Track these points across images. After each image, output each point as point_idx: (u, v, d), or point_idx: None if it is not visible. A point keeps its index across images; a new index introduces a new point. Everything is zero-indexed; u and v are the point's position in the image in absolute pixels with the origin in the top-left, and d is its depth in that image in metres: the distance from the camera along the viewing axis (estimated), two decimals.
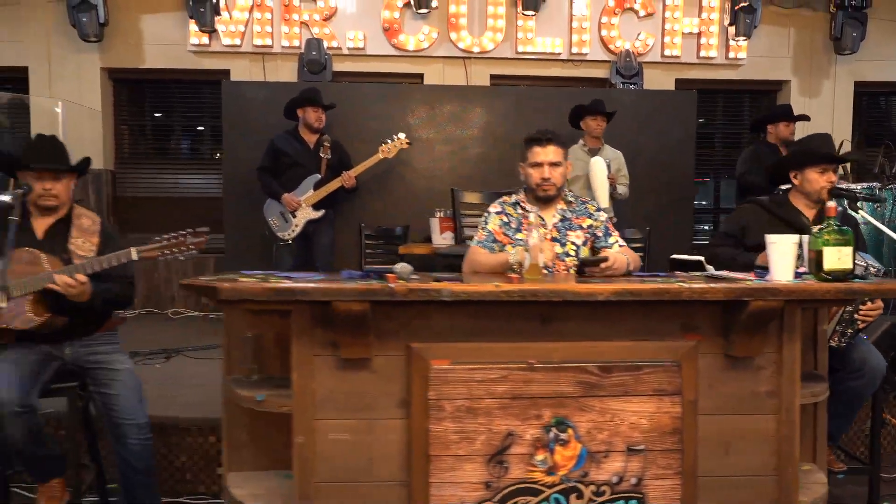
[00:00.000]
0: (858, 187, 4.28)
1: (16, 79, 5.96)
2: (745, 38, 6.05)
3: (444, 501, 1.82)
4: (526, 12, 5.88)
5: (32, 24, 5.83)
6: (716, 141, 6.77)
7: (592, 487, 1.85)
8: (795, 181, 2.66)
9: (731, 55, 6.22)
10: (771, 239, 1.96)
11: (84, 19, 5.51)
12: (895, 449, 3.46)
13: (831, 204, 1.93)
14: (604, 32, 6.10)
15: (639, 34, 6.10)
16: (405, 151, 4.78)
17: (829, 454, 2.52)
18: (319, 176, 4.50)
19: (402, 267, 1.87)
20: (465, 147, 5.32)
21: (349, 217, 4.91)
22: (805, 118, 4.97)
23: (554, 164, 2.45)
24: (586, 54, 6.11)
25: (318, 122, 4.54)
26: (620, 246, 2.55)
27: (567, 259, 2.51)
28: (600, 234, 2.57)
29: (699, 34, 6.18)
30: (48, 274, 2.24)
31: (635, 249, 3.03)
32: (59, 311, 2.31)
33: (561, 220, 2.55)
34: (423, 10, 5.77)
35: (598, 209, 2.63)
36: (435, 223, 4.38)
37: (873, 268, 2.24)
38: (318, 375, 1.85)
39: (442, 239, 4.31)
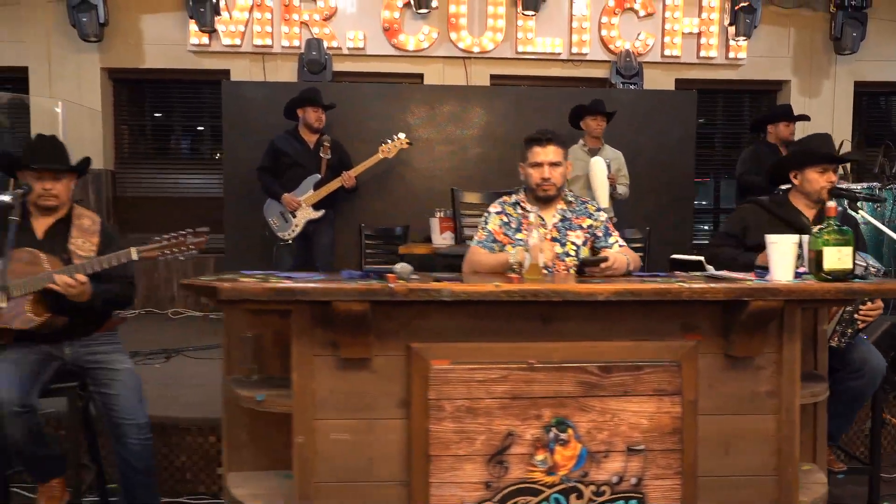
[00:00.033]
0: (858, 187, 4.28)
1: (16, 79, 5.96)
2: (745, 38, 6.05)
3: (444, 501, 1.82)
4: (526, 12, 5.88)
5: (32, 24, 5.83)
6: (716, 141, 6.77)
7: (592, 487, 1.85)
8: (795, 181, 2.67)
9: (731, 55, 6.22)
10: (771, 239, 1.96)
11: (84, 19, 5.51)
12: (895, 449, 3.46)
13: (831, 204, 1.93)
14: (604, 32, 6.10)
15: (639, 34, 6.11)
16: (405, 151, 4.78)
17: (829, 454, 2.52)
18: (319, 176, 4.50)
19: (402, 267, 1.87)
20: (465, 147, 5.32)
21: (349, 217, 4.91)
22: (805, 118, 4.98)
23: (554, 164, 2.45)
24: (586, 54, 6.11)
25: (318, 122, 4.54)
26: (620, 246, 2.55)
27: (567, 259, 2.51)
28: (600, 233, 2.57)
29: (699, 34, 6.18)
30: (48, 274, 2.24)
31: (635, 249, 3.02)
32: (59, 311, 2.31)
33: (561, 220, 2.55)
34: (423, 10, 5.77)
35: (598, 209, 2.63)
36: (435, 223, 4.38)
37: (873, 268, 2.24)
38: (319, 375, 1.85)
39: (442, 239, 4.31)
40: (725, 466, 1.95)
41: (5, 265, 2.07)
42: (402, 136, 4.62)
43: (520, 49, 6.06)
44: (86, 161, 2.54)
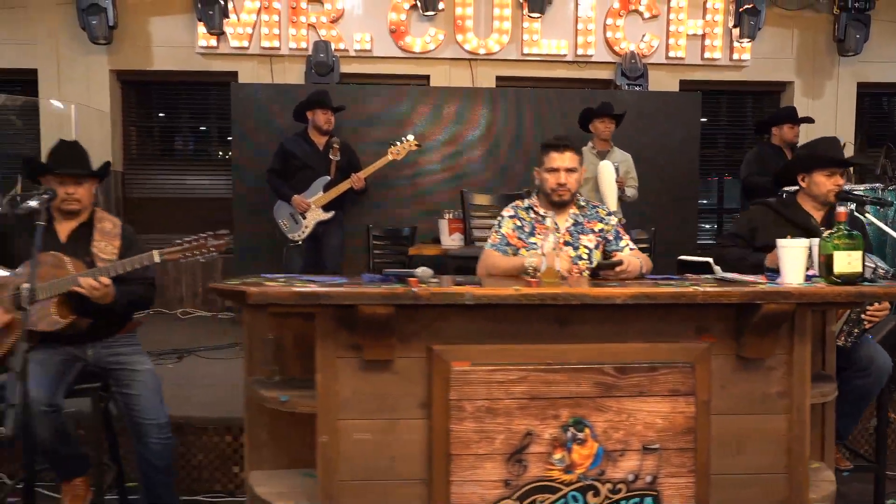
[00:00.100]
0: (861, 188, 4.32)
1: (25, 81, 6.01)
2: (749, 39, 6.09)
3: (464, 499, 1.87)
4: (532, 14, 5.92)
5: (41, 27, 5.87)
6: (719, 141, 6.81)
7: (609, 485, 1.90)
8: (803, 184, 2.71)
9: (735, 56, 6.26)
10: (782, 243, 2.00)
11: (94, 22, 5.55)
12: None
13: (841, 209, 1.98)
14: (609, 34, 6.14)
15: (643, 36, 6.15)
16: (410, 152, 4.82)
17: (835, 452, 2.57)
18: (329, 178, 4.54)
19: (422, 271, 1.91)
20: (470, 148, 5.37)
21: (356, 218, 4.96)
22: (809, 120, 5.02)
23: (570, 170, 2.50)
24: (591, 56, 6.15)
25: (327, 125, 4.58)
26: (631, 249, 2.60)
27: (580, 262, 2.56)
28: (611, 237, 2.62)
29: (703, 35, 6.23)
30: (73, 277, 2.28)
31: (641, 250, 3.07)
32: (84, 313, 2.36)
33: (573, 225, 2.60)
34: (430, 13, 5.81)
35: (609, 213, 2.68)
36: (444, 224, 4.42)
37: (882, 269, 2.29)
38: (342, 377, 1.90)
39: (451, 240, 4.35)
40: (737, 465, 2.00)
41: (34, 269, 2.11)
42: (410, 137, 4.66)
43: (525, 51, 6.10)
44: (106, 165, 2.59)
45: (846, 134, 6.34)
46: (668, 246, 4.44)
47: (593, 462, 1.89)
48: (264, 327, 2.17)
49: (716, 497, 1.97)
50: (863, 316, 2.35)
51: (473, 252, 3.69)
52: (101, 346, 2.50)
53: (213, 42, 5.89)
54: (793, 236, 2.10)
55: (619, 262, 2.24)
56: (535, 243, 2.55)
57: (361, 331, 1.84)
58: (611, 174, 4.02)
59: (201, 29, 5.78)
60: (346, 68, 5.97)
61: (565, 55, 6.15)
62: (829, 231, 1.99)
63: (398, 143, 4.64)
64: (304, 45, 5.92)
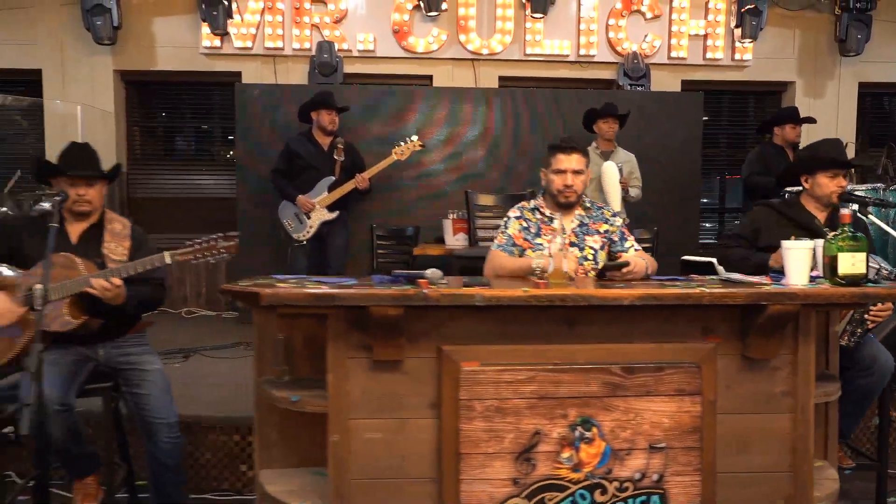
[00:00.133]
0: (863, 188, 4.35)
1: (28, 81, 6.03)
2: (750, 40, 6.12)
3: (473, 497, 1.90)
4: (535, 15, 5.94)
5: (46, 27, 5.89)
6: (721, 141, 6.84)
7: (616, 484, 1.93)
8: (806, 185, 2.74)
9: (737, 56, 6.28)
10: (787, 245, 2.03)
11: (98, 22, 5.57)
12: None
13: (845, 211, 2.00)
14: (611, 34, 6.16)
15: (646, 36, 6.17)
16: (414, 153, 4.83)
17: (837, 451, 2.59)
18: (333, 178, 4.57)
19: (432, 272, 1.93)
20: (473, 148, 5.39)
21: (360, 218, 4.98)
22: (811, 121, 5.04)
23: (576, 172, 2.53)
24: (594, 56, 6.17)
25: (331, 125, 4.61)
26: (636, 250, 2.62)
27: (585, 263, 2.59)
28: (616, 238, 2.64)
29: (705, 36, 6.25)
30: (85, 278, 2.31)
31: (643, 249, 3.09)
32: (95, 313, 2.39)
33: (579, 226, 2.63)
34: (433, 13, 5.82)
35: (614, 214, 2.71)
36: (448, 224, 4.45)
37: (885, 270, 2.31)
38: (353, 377, 1.92)
39: (455, 240, 4.38)
40: (743, 463, 2.02)
41: (48, 270, 2.14)
42: (414, 138, 4.69)
43: (528, 51, 6.12)
44: (117, 167, 2.62)
45: (847, 134, 6.36)
46: (670, 245, 4.46)
47: (601, 461, 1.92)
48: (274, 328, 2.19)
49: (721, 495, 2.00)
50: (866, 316, 2.38)
51: (478, 252, 3.72)
52: (112, 346, 2.52)
53: (216, 42, 5.91)
54: (796, 237, 2.12)
55: (626, 264, 2.27)
56: (540, 244, 2.58)
57: (372, 331, 1.86)
58: (614, 176, 4.04)
59: (205, 29, 5.80)
60: (349, 68, 5.99)
61: (568, 55, 6.17)
62: (833, 233, 2.01)
63: (402, 143, 4.67)
64: (307, 45, 5.94)
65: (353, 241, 4.89)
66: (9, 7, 5.86)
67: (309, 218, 4.56)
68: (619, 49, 6.16)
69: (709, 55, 6.26)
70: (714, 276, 2.31)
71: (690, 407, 1.94)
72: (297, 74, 5.99)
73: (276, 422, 2.20)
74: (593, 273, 2.56)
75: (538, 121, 5.41)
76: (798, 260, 2.00)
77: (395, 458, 1.94)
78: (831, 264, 1.97)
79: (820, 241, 2.08)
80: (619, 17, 6.16)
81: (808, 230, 2.56)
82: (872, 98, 6.81)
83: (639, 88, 5.97)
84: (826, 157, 2.67)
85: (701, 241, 5.96)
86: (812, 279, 2.05)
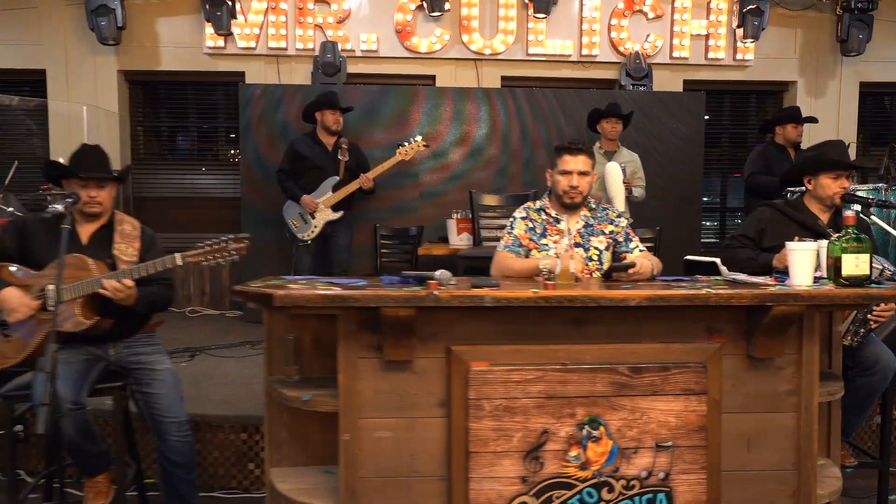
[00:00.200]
0: (864, 188, 4.37)
1: (33, 81, 6.05)
2: (752, 39, 6.14)
3: (482, 496, 1.93)
4: (537, 15, 5.96)
5: (50, 28, 5.91)
6: (723, 141, 6.86)
7: (623, 482, 1.95)
8: (809, 186, 2.77)
9: (739, 56, 6.30)
10: (791, 246, 2.05)
11: (102, 23, 5.59)
12: None
13: (850, 213, 2.03)
14: (613, 34, 6.18)
15: (648, 36, 6.19)
16: (418, 152, 4.86)
17: (840, 449, 2.62)
18: (338, 178, 4.59)
19: (441, 273, 1.96)
20: (476, 148, 5.42)
21: (363, 217, 5.01)
22: (813, 120, 5.06)
23: (582, 174, 2.56)
24: (596, 56, 6.19)
25: (335, 125, 4.63)
26: (641, 251, 2.65)
27: (590, 264, 2.61)
28: (621, 239, 2.67)
29: (707, 36, 6.27)
30: (97, 279, 2.33)
31: (647, 248, 3.12)
32: (107, 314, 2.41)
33: (584, 227, 2.65)
34: (436, 13, 5.84)
35: (619, 215, 2.74)
36: (452, 224, 4.47)
37: (888, 271, 2.34)
38: (363, 377, 1.95)
39: (459, 240, 4.41)
40: (748, 461, 2.05)
41: (61, 271, 2.16)
42: (419, 138, 4.71)
43: (530, 51, 6.14)
44: (127, 169, 2.64)
45: (848, 133, 6.39)
46: (672, 245, 4.49)
47: (608, 459, 1.94)
48: (284, 328, 2.22)
49: (727, 493, 2.03)
50: (869, 316, 2.40)
51: (483, 252, 3.75)
52: (122, 345, 2.55)
53: (220, 42, 5.93)
54: (800, 237, 2.15)
55: (632, 265, 2.29)
56: (546, 244, 2.61)
57: (383, 332, 1.89)
58: (618, 176, 4.06)
59: (208, 29, 5.83)
60: (352, 68, 6.01)
61: (570, 55, 6.19)
62: (837, 234, 2.04)
63: (406, 143, 4.69)
64: (310, 45, 5.96)
65: (356, 241, 4.92)
66: (13, 7, 5.88)
67: (314, 218, 4.59)
68: (621, 49, 6.19)
69: (711, 55, 6.28)
70: (718, 277, 2.34)
71: (696, 406, 1.97)
72: (300, 74, 6.01)
73: (286, 421, 2.23)
74: (598, 274, 2.59)
75: (540, 121, 5.44)
76: (802, 261, 2.03)
77: (405, 457, 1.97)
78: (835, 265, 2.00)
79: (824, 242, 2.11)
80: (622, 17, 6.18)
81: (812, 231, 2.59)
82: (873, 98, 6.83)
83: (641, 88, 5.99)
84: (829, 158, 2.69)
85: (703, 241, 5.99)
86: (816, 280, 2.08)
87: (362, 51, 6.03)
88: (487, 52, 6.12)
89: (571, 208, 2.62)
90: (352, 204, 4.73)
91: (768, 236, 2.68)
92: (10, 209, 4.54)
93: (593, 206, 2.70)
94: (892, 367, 2.58)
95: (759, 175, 4.68)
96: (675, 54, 6.23)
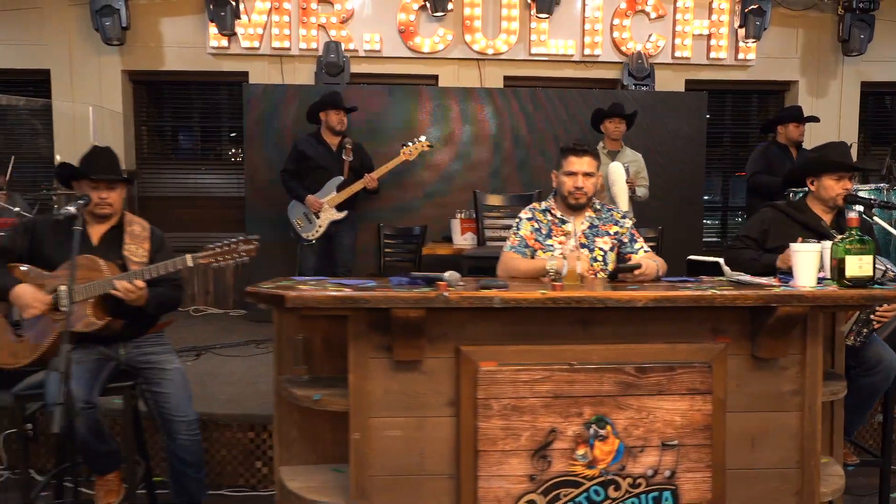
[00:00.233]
0: (866, 188, 4.39)
1: (37, 81, 6.08)
2: (754, 39, 6.16)
3: (490, 493, 1.95)
4: (540, 15, 5.98)
5: (54, 28, 5.93)
6: (724, 140, 6.89)
7: (629, 480, 1.98)
8: (812, 187, 2.79)
9: (741, 56, 6.32)
10: (796, 247, 2.08)
11: (107, 23, 5.61)
12: None
13: (853, 215, 2.05)
14: (615, 34, 6.20)
15: (650, 36, 6.21)
16: (422, 153, 4.87)
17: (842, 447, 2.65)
18: (342, 178, 4.62)
19: (450, 275, 1.99)
20: (479, 148, 5.44)
21: (366, 217, 5.03)
22: (815, 119, 5.09)
23: (587, 175, 2.58)
24: (598, 56, 6.21)
25: (340, 125, 4.65)
26: (646, 251, 2.68)
27: (594, 264, 2.64)
28: (626, 240, 2.69)
29: (709, 36, 6.29)
30: (109, 280, 2.36)
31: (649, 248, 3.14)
32: (118, 314, 2.44)
33: (589, 227, 2.68)
34: (439, 13, 5.86)
35: (624, 216, 2.76)
36: (456, 224, 4.50)
37: (891, 272, 2.36)
38: (373, 377, 1.98)
39: (463, 240, 4.43)
40: (752, 460, 2.08)
41: (74, 271, 2.19)
42: (423, 138, 4.73)
43: (533, 51, 6.16)
44: (136, 171, 2.66)
45: (849, 132, 6.42)
46: (672, 244, 4.51)
47: (614, 458, 1.97)
48: (292, 328, 2.24)
49: (731, 491, 2.05)
50: (872, 316, 2.43)
51: (488, 252, 3.77)
52: (132, 345, 2.58)
53: (223, 42, 5.95)
54: (803, 238, 2.18)
55: (638, 266, 2.32)
56: (551, 245, 2.63)
57: (393, 333, 1.92)
58: (621, 176, 4.09)
59: (212, 29, 5.85)
60: (355, 68, 6.03)
61: (573, 55, 6.21)
62: (841, 236, 2.06)
63: (411, 143, 4.71)
64: (314, 45, 5.98)
65: (359, 240, 4.94)
66: (17, 7, 5.90)
67: (318, 217, 4.61)
68: (623, 49, 6.21)
69: (712, 55, 6.30)
70: (722, 277, 2.36)
71: (702, 405, 2.00)
72: (303, 74, 6.03)
73: (295, 420, 2.25)
74: (602, 274, 2.61)
75: (543, 121, 5.46)
76: (806, 262, 2.05)
77: (414, 456, 2.00)
78: (839, 266, 2.02)
79: (827, 244, 2.14)
80: (624, 17, 6.20)
81: (815, 232, 2.62)
82: (874, 97, 6.85)
83: (643, 88, 6.02)
84: (832, 160, 2.72)
85: (704, 240, 6.02)
86: (819, 281, 2.10)
87: (365, 51, 6.05)
88: (490, 52, 6.14)
89: (576, 209, 2.65)
90: (356, 204, 4.75)
91: (772, 237, 2.71)
92: (17, 209, 4.56)
93: (598, 207, 2.73)
94: (894, 367, 2.60)
95: (762, 175, 4.71)
96: (677, 54, 6.26)
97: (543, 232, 2.67)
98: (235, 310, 5.88)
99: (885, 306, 2.44)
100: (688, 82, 6.36)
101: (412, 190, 5.34)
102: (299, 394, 2.10)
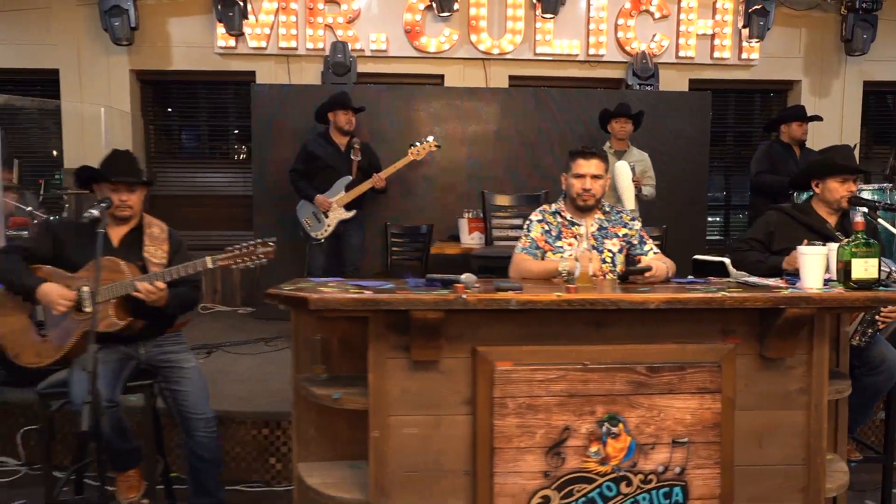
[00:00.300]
0: (869, 188, 4.44)
1: (46, 81, 6.12)
2: (757, 39, 6.19)
3: (506, 490, 2.01)
4: (545, 15, 6.01)
5: (63, 28, 5.97)
6: (728, 139, 6.93)
7: (640, 476, 2.04)
8: (817, 189, 2.84)
9: (744, 56, 6.36)
10: (803, 250, 2.13)
11: (116, 23, 5.65)
12: None
13: (859, 219, 2.11)
14: (620, 34, 6.24)
15: (654, 36, 6.25)
16: (429, 152, 4.92)
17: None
18: (351, 177, 4.67)
19: (467, 277, 2.04)
20: (484, 147, 5.49)
21: (373, 216, 5.08)
22: (818, 118, 5.13)
23: (595, 177, 2.64)
24: (603, 56, 6.25)
25: (348, 125, 4.70)
26: (655, 253, 2.73)
27: (603, 266, 2.69)
28: (635, 241, 2.75)
29: (713, 35, 6.33)
30: (130, 281, 2.42)
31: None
32: (139, 314, 2.50)
33: (598, 229, 2.73)
34: (445, 13, 5.90)
35: (633, 218, 2.81)
36: (463, 223, 4.55)
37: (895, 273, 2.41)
38: (392, 376, 2.03)
39: (470, 239, 4.48)
40: (759, 457, 2.14)
41: (98, 273, 2.24)
42: (431, 138, 4.78)
43: (538, 51, 6.20)
44: (154, 173, 2.71)
45: (852, 132, 6.47)
46: (676, 244, 4.56)
47: (626, 455, 2.03)
48: (310, 328, 2.30)
49: (739, 487, 2.11)
50: (877, 317, 2.48)
51: (496, 252, 3.83)
52: (152, 345, 2.63)
53: (231, 42, 5.99)
54: (809, 240, 2.23)
55: (648, 268, 2.37)
56: (561, 247, 2.68)
57: (411, 334, 1.97)
58: (627, 176, 4.13)
59: (220, 29, 5.89)
60: (361, 68, 6.07)
61: (577, 55, 6.25)
62: (847, 239, 2.11)
63: (418, 143, 4.76)
64: (320, 45, 6.02)
65: (367, 239, 4.99)
66: (26, 8, 5.94)
67: (327, 217, 4.67)
68: (627, 49, 6.25)
69: (716, 54, 6.34)
70: (730, 279, 2.42)
71: (711, 404, 2.05)
72: (310, 74, 6.07)
73: (313, 418, 2.31)
74: (611, 276, 2.67)
75: (548, 120, 5.50)
76: (813, 265, 2.11)
77: (431, 453, 2.05)
78: (845, 269, 2.07)
79: (833, 246, 2.19)
80: (628, 17, 6.24)
81: (820, 234, 2.67)
82: (877, 97, 6.90)
83: (647, 88, 6.06)
84: (837, 163, 2.77)
85: (708, 238, 6.07)
86: (825, 283, 2.15)
87: (371, 51, 6.09)
88: (495, 51, 6.18)
89: (585, 211, 2.70)
90: (363, 203, 4.80)
91: (777, 239, 2.76)
92: (29, 208, 4.62)
93: (607, 209, 2.78)
94: None
95: (765, 174, 4.76)
96: (681, 54, 6.30)
97: (553, 234, 2.73)
98: (243, 308, 5.94)
99: (890, 307, 2.49)
100: (691, 82, 6.41)
101: (419, 189, 5.39)
102: (319, 392, 2.16)
